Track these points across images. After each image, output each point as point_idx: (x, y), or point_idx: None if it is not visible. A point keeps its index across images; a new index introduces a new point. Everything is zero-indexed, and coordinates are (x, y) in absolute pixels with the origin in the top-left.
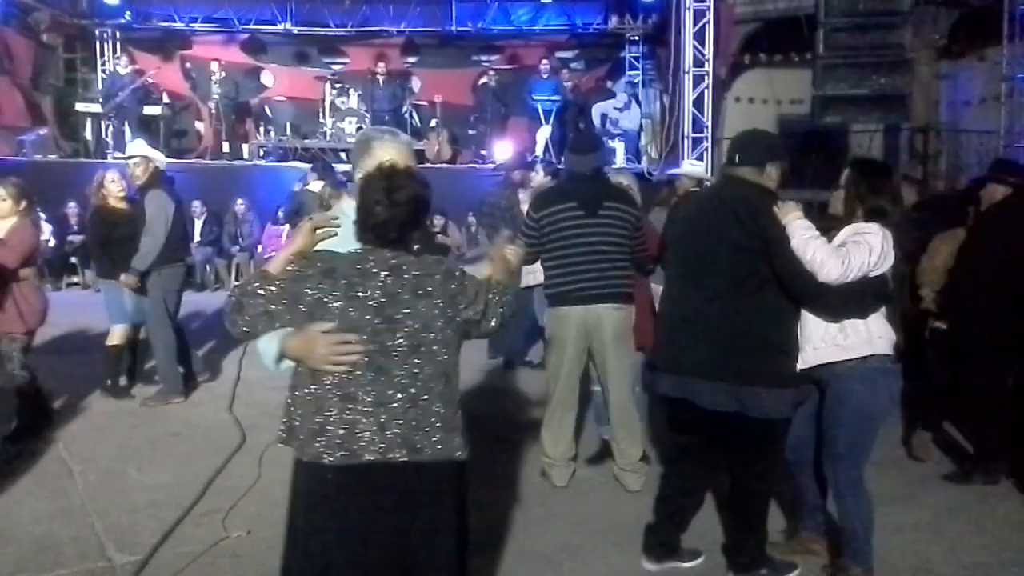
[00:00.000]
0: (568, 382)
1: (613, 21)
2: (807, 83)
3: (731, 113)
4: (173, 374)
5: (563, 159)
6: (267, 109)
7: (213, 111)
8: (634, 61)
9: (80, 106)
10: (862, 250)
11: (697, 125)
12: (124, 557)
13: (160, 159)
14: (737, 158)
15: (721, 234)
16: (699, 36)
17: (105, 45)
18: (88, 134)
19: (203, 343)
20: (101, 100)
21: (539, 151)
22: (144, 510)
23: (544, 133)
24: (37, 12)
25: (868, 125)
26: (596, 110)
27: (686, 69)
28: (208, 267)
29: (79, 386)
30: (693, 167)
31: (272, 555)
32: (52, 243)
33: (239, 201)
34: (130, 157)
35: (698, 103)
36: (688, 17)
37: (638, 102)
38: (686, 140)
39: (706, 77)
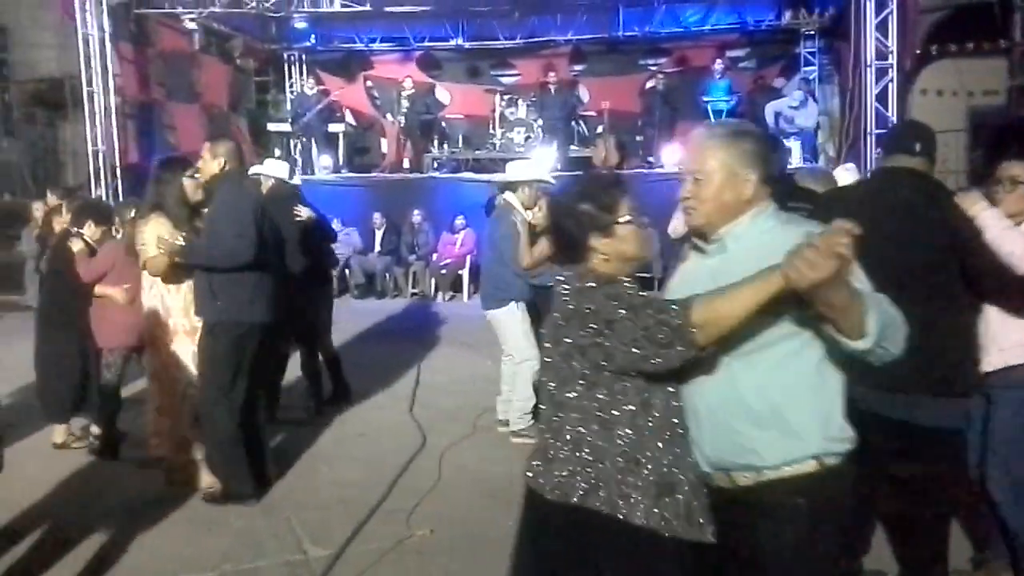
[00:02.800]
0: None
1: (787, 16)
2: (1001, 73)
3: (918, 107)
4: None
5: None
6: (444, 125)
7: (398, 127)
8: (810, 56)
9: (271, 126)
10: None
11: (881, 121)
12: (318, 551)
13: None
14: (918, 147)
15: (911, 237)
16: (882, 27)
17: (293, 68)
18: (277, 152)
19: (383, 347)
20: (290, 120)
21: None
22: (335, 506)
23: None
24: (234, 39)
25: None
26: (769, 109)
27: (868, 62)
28: (387, 275)
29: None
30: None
31: (455, 555)
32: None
33: (415, 212)
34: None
35: (881, 97)
36: (870, 8)
37: (815, 99)
38: (869, 137)
39: (890, 70)
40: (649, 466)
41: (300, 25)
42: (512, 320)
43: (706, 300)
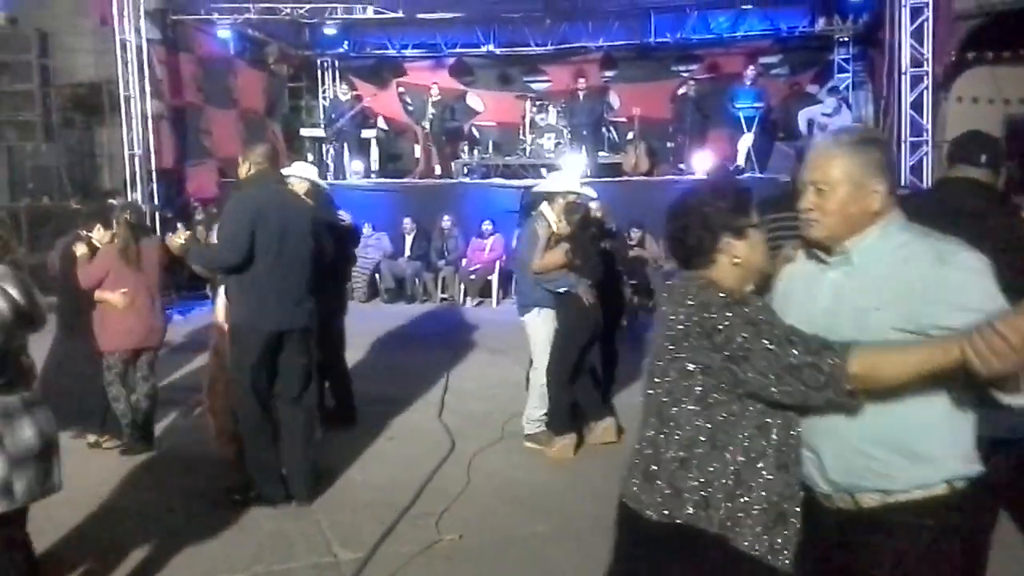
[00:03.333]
0: None
1: (820, 23)
2: None
3: (953, 115)
4: None
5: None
6: (475, 131)
7: (426, 133)
8: (843, 63)
9: (304, 131)
10: None
11: (915, 128)
12: (348, 554)
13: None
14: (983, 158)
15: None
16: (917, 34)
17: (326, 74)
18: (310, 157)
19: (412, 352)
20: (324, 125)
21: (740, 160)
22: (364, 510)
23: (746, 142)
24: (268, 45)
25: None
26: (802, 116)
27: (903, 70)
28: (417, 280)
29: None
30: None
31: (483, 560)
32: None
33: (445, 217)
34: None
35: (916, 105)
36: (904, 15)
37: (848, 106)
38: (903, 144)
39: (925, 77)
40: (762, 492)
41: (333, 31)
42: (534, 326)
43: (869, 354)
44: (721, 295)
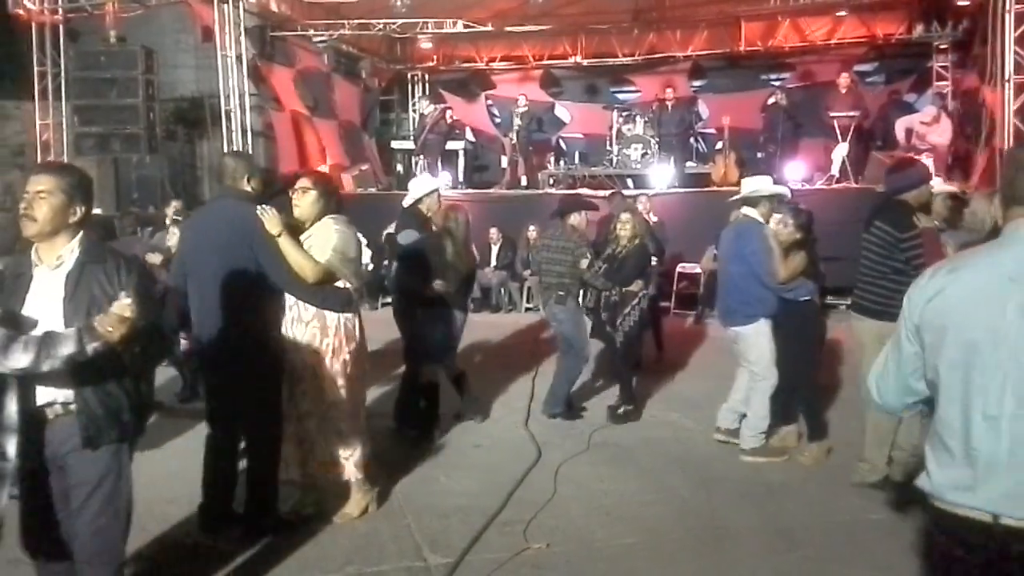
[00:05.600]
0: None
1: (918, 29)
2: None
3: None
4: None
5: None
6: (561, 142)
7: (513, 145)
8: (942, 71)
9: (395, 143)
10: None
11: (1019, 137)
12: (437, 558)
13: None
14: None
15: None
16: (1021, 40)
17: (416, 87)
18: (400, 169)
19: (497, 360)
20: (413, 138)
21: (835, 170)
22: (453, 515)
23: (841, 151)
24: (363, 60)
25: None
26: (900, 125)
27: (1007, 77)
28: (502, 289)
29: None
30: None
31: (571, 569)
32: (371, 267)
33: (531, 227)
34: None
35: (1020, 113)
36: (1008, 20)
37: (948, 115)
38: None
39: None
40: None
41: (425, 45)
42: (760, 337)
43: None
44: None
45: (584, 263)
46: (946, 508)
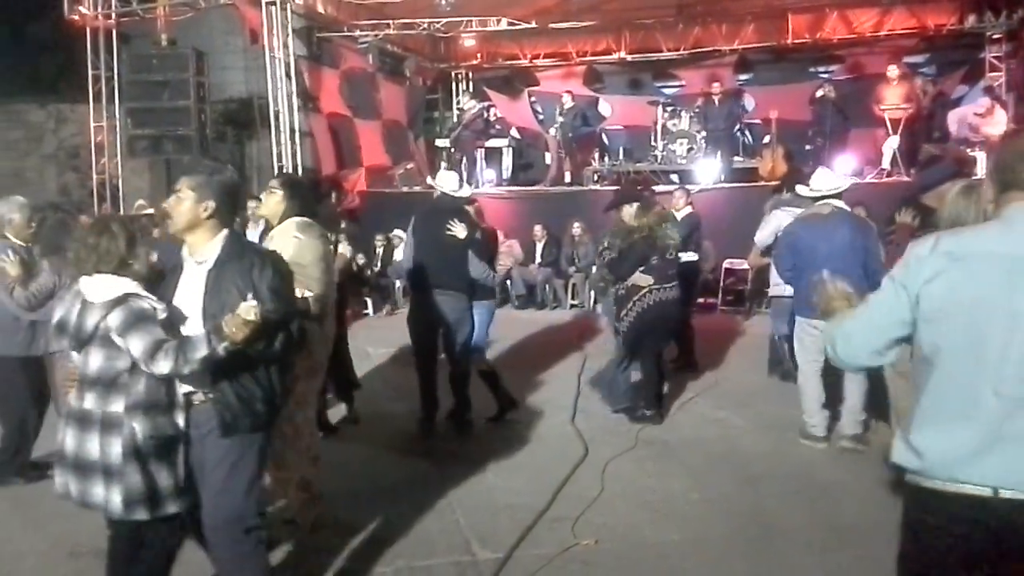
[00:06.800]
0: None
1: (970, 20)
2: None
3: None
4: None
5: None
6: (605, 137)
7: (557, 141)
8: (995, 61)
9: (439, 142)
10: None
11: None
12: (486, 553)
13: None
14: None
15: None
16: None
17: (460, 85)
18: (444, 166)
19: (543, 357)
20: (453, 135)
21: (886, 163)
22: (502, 511)
23: (892, 144)
24: (408, 59)
25: None
26: (952, 117)
27: None
28: (547, 286)
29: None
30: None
31: (620, 566)
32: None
33: (575, 224)
34: None
35: None
36: None
37: (1002, 106)
38: None
39: None
40: None
41: (468, 44)
42: None
43: None
44: None
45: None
46: (937, 487)
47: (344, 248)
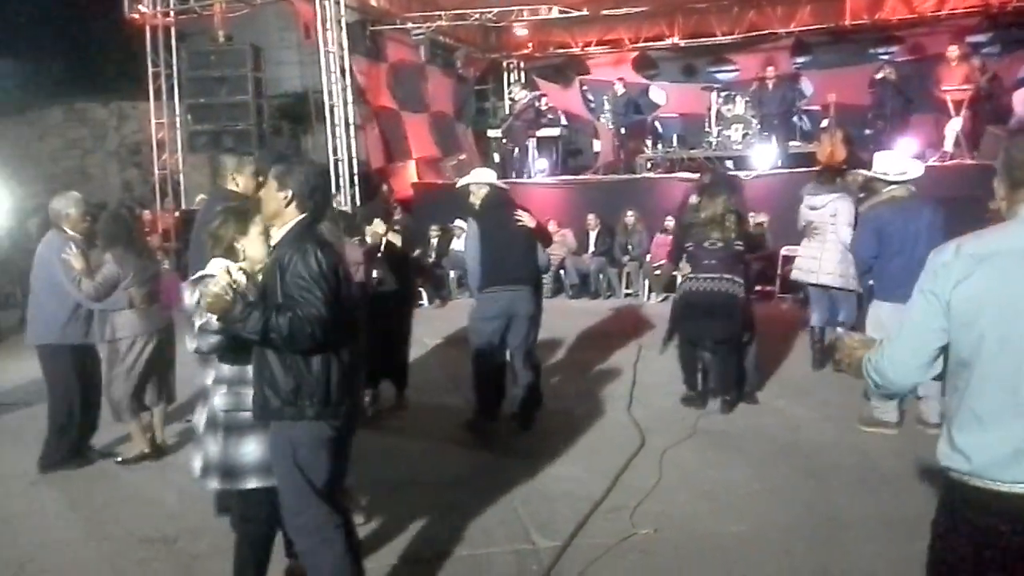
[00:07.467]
0: None
1: None
2: None
3: None
4: None
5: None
6: (657, 125)
7: (610, 129)
8: None
9: (490, 132)
10: None
11: None
12: (545, 542)
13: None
14: None
15: None
16: None
17: (511, 75)
18: (496, 157)
19: (597, 347)
20: (504, 125)
21: (948, 146)
22: (560, 500)
23: (954, 126)
24: (458, 50)
25: None
26: (1018, 98)
27: None
28: (601, 276)
29: None
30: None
31: (678, 556)
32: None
33: (628, 212)
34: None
35: None
36: None
37: None
38: None
39: None
40: None
41: (520, 33)
42: None
43: None
44: None
45: None
46: (985, 486)
47: (377, 225)
